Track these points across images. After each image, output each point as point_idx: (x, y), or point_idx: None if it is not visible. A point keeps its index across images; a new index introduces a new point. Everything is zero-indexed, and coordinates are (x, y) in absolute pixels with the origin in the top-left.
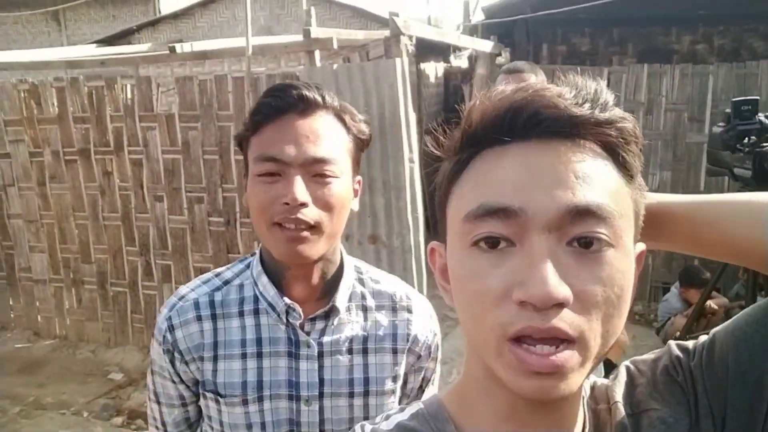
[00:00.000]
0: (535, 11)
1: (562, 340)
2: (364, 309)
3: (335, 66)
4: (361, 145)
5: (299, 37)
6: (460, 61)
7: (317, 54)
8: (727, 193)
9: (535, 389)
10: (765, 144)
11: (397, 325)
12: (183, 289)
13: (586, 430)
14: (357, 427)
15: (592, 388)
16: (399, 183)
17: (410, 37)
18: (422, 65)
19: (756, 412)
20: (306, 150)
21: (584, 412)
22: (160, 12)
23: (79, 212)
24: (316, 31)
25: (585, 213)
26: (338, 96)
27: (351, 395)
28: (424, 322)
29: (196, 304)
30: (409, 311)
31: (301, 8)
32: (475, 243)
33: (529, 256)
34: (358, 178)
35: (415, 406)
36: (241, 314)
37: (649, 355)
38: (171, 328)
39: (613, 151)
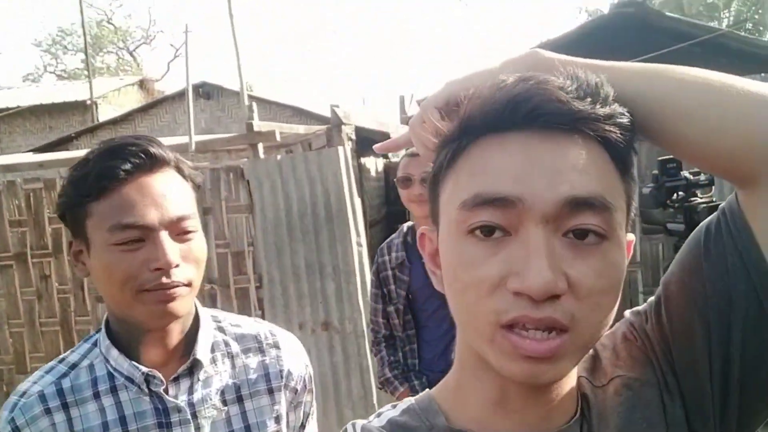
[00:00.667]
0: None
1: (555, 328)
2: (230, 356)
3: (279, 157)
4: (196, 192)
5: (242, 132)
6: (398, 158)
7: (260, 147)
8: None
9: (527, 373)
10: (692, 198)
11: (268, 364)
12: (23, 385)
13: (577, 416)
14: (348, 426)
15: None
16: (348, 267)
17: (351, 128)
18: (363, 159)
19: (700, 363)
20: (167, 210)
21: (578, 397)
22: (98, 120)
23: (14, 320)
24: (259, 125)
25: (583, 205)
26: (283, 186)
27: None
28: (295, 356)
29: (42, 397)
30: (277, 347)
31: (241, 110)
32: (470, 231)
33: (526, 247)
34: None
35: (406, 402)
36: (96, 396)
37: (610, 330)
38: (16, 431)
39: (610, 145)
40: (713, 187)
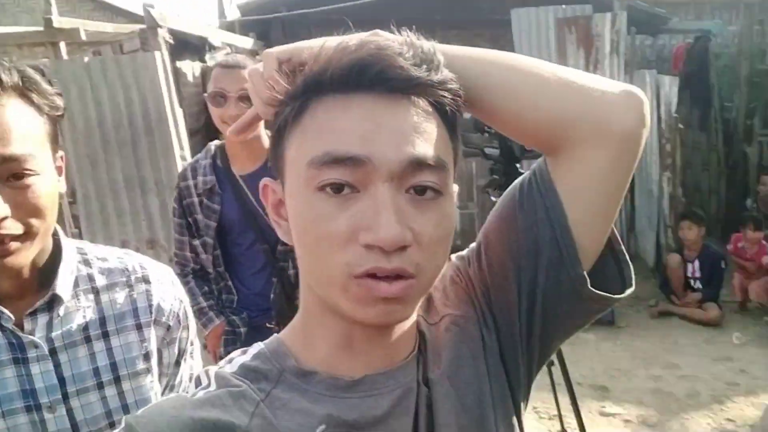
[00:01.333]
0: (290, 10)
1: (403, 277)
2: (95, 291)
3: (86, 59)
4: (57, 120)
5: (38, 28)
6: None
7: (62, 46)
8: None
9: (381, 315)
10: None
11: (136, 299)
12: None
13: (415, 351)
14: (201, 373)
15: None
16: (172, 182)
17: (166, 31)
18: (178, 63)
19: (512, 301)
20: None
21: (416, 335)
22: None
23: None
24: (60, 20)
25: (423, 164)
26: (94, 93)
27: (100, 386)
28: (166, 290)
29: None
30: (147, 281)
31: None
32: (320, 188)
33: (375, 203)
34: (60, 154)
35: (256, 347)
36: None
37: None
38: None
39: (443, 109)
40: None
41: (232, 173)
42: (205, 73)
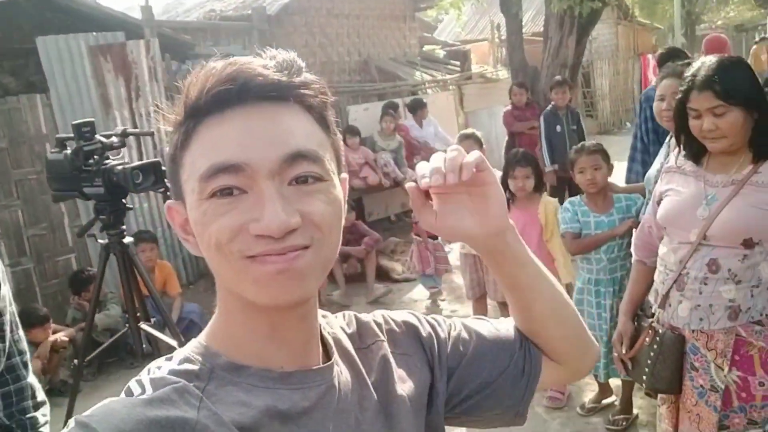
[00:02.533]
0: None
1: (296, 249)
2: None
3: None
4: None
5: None
6: None
7: None
8: None
9: (280, 291)
10: (107, 160)
11: None
12: None
13: (321, 351)
14: (132, 382)
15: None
16: None
17: None
18: None
19: (461, 388)
20: None
21: (327, 345)
22: None
23: None
24: None
25: (299, 158)
26: None
27: None
28: None
29: None
30: None
31: None
32: (211, 195)
33: (260, 198)
34: None
35: (180, 353)
36: None
37: (400, 315)
38: None
39: (312, 108)
40: (123, 149)
41: None
42: None
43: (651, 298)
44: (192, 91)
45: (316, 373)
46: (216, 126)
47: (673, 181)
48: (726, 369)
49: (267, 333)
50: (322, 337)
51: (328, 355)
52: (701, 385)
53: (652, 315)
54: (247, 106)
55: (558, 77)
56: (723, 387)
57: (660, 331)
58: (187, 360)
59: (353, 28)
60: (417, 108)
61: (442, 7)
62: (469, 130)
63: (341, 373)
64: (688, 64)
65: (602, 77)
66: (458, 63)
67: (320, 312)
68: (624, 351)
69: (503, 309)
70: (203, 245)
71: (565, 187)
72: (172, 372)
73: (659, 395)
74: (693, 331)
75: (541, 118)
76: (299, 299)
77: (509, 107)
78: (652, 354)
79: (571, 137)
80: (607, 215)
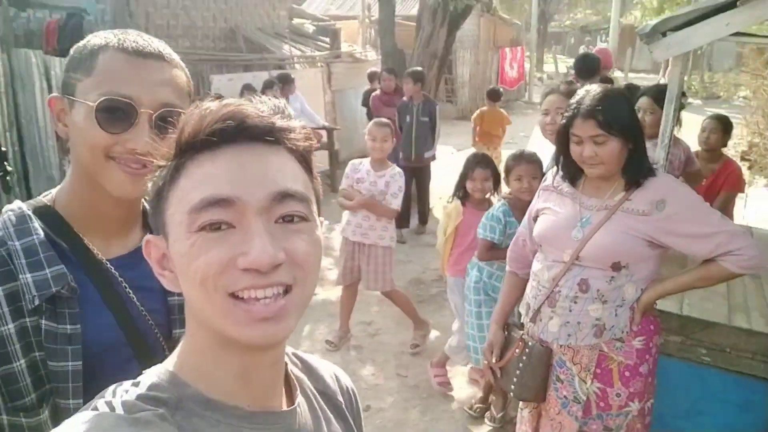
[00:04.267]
0: None
1: (281, 289)
2: None
3: None
4: None
5: None
6: None
7: None
8: None
9: (262, 335)
10: None
11: None
12: None
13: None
14: (99, 403)
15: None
16: None
17: None
18: None
19: None
20: None
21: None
22: None
23: None
24: None
25: (287, 197)
26: None
27: None
28: None
29: None
30: None
31: None
32: (200, 228)
33: (249, 233)
34: None
35: (148, 378)
36: None
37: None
38: None
39: (298, 152)
40: None
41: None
42: None
43: (522, 310)
44: (187, 128)
45: (279, 417)
46: (208, 162)
47: (550, 199)
48: (589, 382)
49: (238, 372)
50: (287, 377)
51: (291, 396)
52: (565, 396)
53: (522, 326)
54: (240, 146)
55: (410, 69)
56: (585, 398)
57: (530, 343)
58: (155, 387)
59: None
60: (284, 83)
61: None
62: (384, 120)
63: (301, 415)
64: (570, 83)
65: (464, 66)
66: (328, 40)
67: (288, 350)
68: (494, 360)
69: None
70: (187, 279)
71: (411, 178)
72: (141, 397)
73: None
74: (561, 345)
75: (396, 108)
76: (280, 341)
77: (378, 92)
78: (521, 365)
79: (418, 128)
80: None
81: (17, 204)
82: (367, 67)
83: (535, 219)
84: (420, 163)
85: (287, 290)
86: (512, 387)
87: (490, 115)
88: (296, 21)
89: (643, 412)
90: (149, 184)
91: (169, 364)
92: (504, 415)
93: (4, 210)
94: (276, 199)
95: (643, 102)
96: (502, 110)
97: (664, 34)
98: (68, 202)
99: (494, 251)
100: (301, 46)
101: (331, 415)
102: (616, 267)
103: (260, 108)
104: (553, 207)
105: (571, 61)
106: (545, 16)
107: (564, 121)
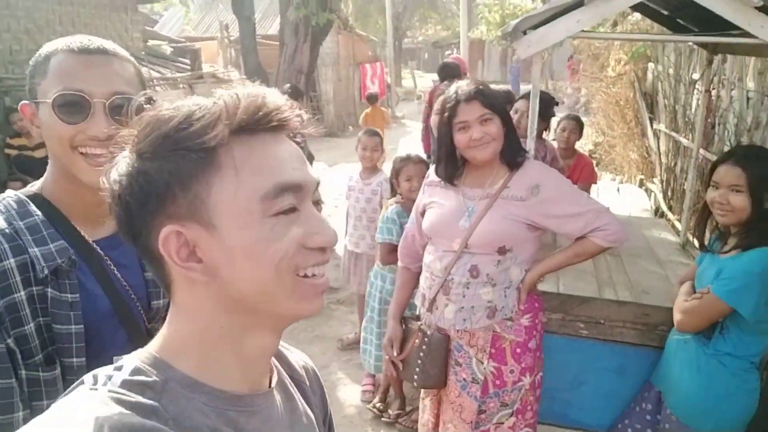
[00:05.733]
0: None
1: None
2: None
3: None
4: None
5: None
6: None
7: None
8: None
9: (321, 305)
10: None
11: None
12: None
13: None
14: (78, 392)
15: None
16: None
17: None
18: None
19: None
20: None
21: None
22: None
23: None
24: None
25: (317, 184)
26: None
27: None
28: None
29: None
30: None
31: None
32: (275, 214)
33: (314, 216)
34: None
35: (130, 362)
36: None
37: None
38: None
39: (296, 143)
40: None
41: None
42: None
43: (417, 302)
44: (240, 111)
45: (262, 398)
46: (258, 147)
47: (435, 194)
48: (485, 362)
49: (255, 357)
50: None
51: (269, 380)
52: (464, 378)
53: (418, 318)
54: (274, 132)
55: (287, 86)
56: (482, 378)
57: (428, 332)
58: (139, 371)
59: (66, 16)
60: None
61: (170, 2)
62: (376, 129)
63: (278, 396)
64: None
65: (327, 83)
66: (188, 61)
67: None
68: (395, 354)
69: None
70: (261, 264)
71: None
72: (125, 383)
73: (422, 389)
74: (458, 330)
75: None
76: None
77: None
78: (421, 354)
79: None
80: None
81: (11, 192)
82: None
83: (422, 214)
84: None
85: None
86: (415, 377)
87: (374, 113)
88: (151, 43)
89: (534, 385)
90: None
91: (152, 348)
92: (401, 413)
93: (1, 197)
94: (316, 186)
95: (521, 104)
96: (383, 108)
97: (524, 33)
98: (53, 192)
99: (395, 254)
100: (159, 68)
101: (300, 398)
102: (502, 251)
103: (282, 99)
104: (439, 200)
105: (427, 76)
106: (399, 32)
107: (446, 113)
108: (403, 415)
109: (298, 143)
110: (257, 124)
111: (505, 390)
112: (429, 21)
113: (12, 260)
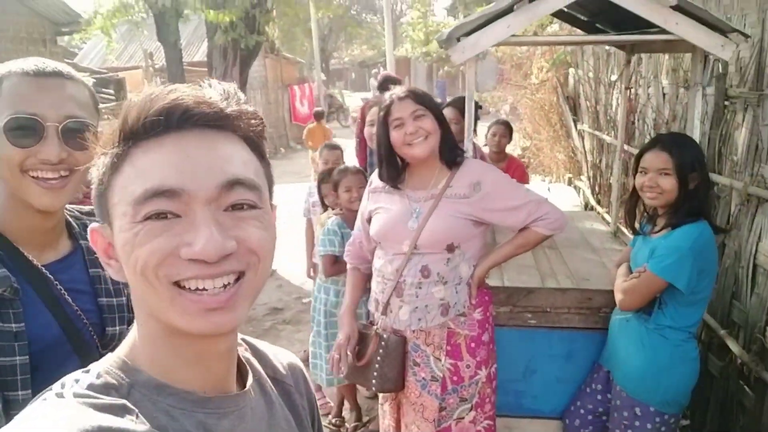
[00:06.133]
0: None
1: (233, 278)
2: None
3: None
4: None
5: None
6: None
7: None
8: None
9: (212, 326)
10: None
11: None
12: None
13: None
14: (49, 395)
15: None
16: None
17: None
18: None
19: None
20: None
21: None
22: None
23: None
24: None
25: (236, 185)
26: None
27: None
28: None
29: None
30: None
31: None
32: (144, 218)
33: (194, 223)
34: None
35: (96, 366)
36: None
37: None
38: None
39: (249, 138)
40: None
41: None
42: None
43: (371, 307)
44: (131, 114)
45: (232, 400)
46: (152, 150)
47: (380, 200)
48: (443, 359)
49: (192, 359)
50: (239, 363)
51: (242, 382)
52: (423, 378)
53: (372, 324)
54: (186, 133)
55: None
56: (441, 376)
57: (384, 335)
58: (106, 373)
59: None
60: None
61: (90, 33)
62: (335, 143)
63: (253, 398)
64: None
65: (256, 106)
66: (112, 92)
67: (239, 336)
68: (351, 358)
69: None
70: (129, 269)
71: None
72: (91, 387)
73: (380, 394)
74: (413, 331)
75: None
76: (231, 330)
77: None
78: (378, 358)
79: None
80: None
81: None
82: None
83: (368, 220)
84: None
85: (239, 277)
86: (373, 381)
87: (317, 130)
88: None
89: (490, 377)
90: (92, 171)
91: (121, 352)
92: (358, 425)
93: None
94: (225, 188)
95: (447, 112)
96: (326, 126)
97: (458, 40)
98: (1, 217)
99: (338, 264)
100: None
101: (281, 400)
102: (451, 248)
103: (209, 93)
104: (384, 205)
105: (355, 95)
106: (325, 53)
107: (381, 113)
108: (361, 427)
109: (252, 139)
110: (151, 127)
111: (462, 385)
112: (354, 42)
113: None
